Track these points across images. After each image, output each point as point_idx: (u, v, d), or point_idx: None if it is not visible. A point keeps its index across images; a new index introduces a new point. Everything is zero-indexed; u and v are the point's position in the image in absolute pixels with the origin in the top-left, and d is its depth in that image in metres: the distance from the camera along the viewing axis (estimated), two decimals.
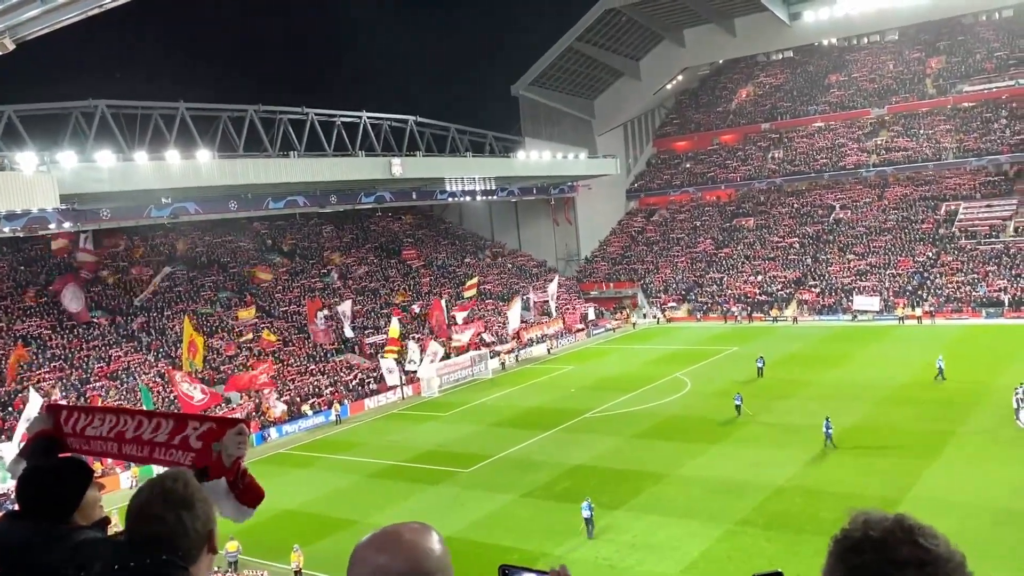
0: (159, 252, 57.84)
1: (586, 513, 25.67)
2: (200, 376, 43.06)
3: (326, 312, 53.80)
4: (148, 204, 47.49)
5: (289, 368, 49.06)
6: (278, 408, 43.85)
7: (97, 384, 42.67)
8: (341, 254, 66.70)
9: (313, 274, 62.46)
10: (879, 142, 76.05)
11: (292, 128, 52.14)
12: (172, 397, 42.00)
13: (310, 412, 45.07)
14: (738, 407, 36.97)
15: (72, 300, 46.48)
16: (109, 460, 27.27)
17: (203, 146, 46.02)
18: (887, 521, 1.66)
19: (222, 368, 46.68)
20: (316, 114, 53.56)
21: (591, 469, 31.71)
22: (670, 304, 69.85)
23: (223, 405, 42.86)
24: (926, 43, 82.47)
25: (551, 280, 68.38)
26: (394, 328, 51.40)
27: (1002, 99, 72.52)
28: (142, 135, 46.01)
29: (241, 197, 52.32)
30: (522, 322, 60.56)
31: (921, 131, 74.39)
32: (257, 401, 43.94)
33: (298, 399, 45.78)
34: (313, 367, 50.06)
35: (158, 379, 44.34)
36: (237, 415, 42.16)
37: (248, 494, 2.93)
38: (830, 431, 31.47)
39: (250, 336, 50.52)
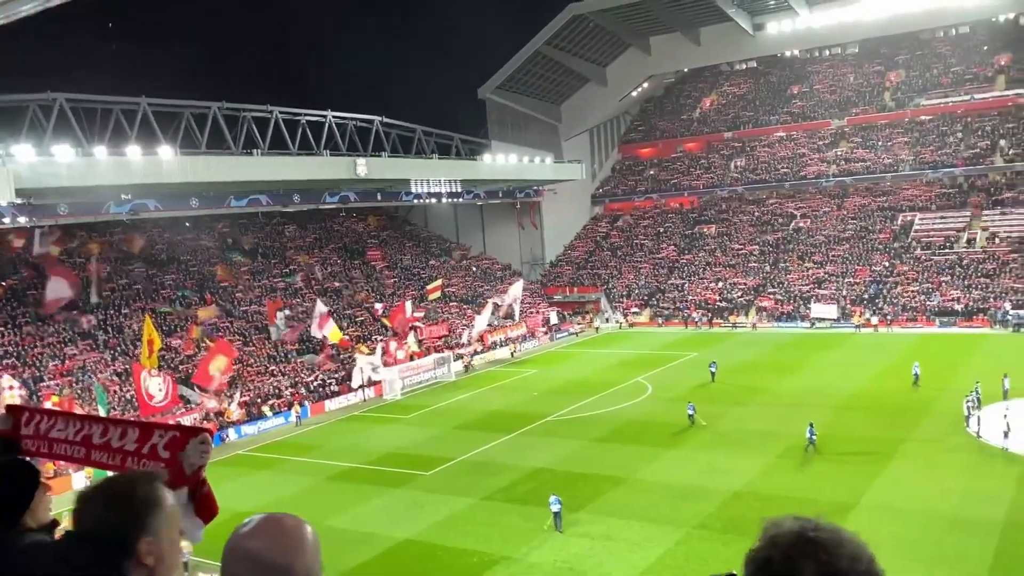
0: (118, 249, 56.91)
1: (555, 508, 25.95)
2: (172, 374, 42.45)
3: (287, 312, 53.35)
4: (107, 200, 46.72)
5: (249, 368, 48.55)
6: (237, 411, 43.32)
7: (52, 383, 41.84)
8: (304, 254, 66.18)
9: (275, 274, 61.89)
10: (839, 153, 77.44)
11: (256, 126, 51.66)
12: (128, 396, 41.36)
13: (270, 413, 44.66)
14: (691, 416, 36.93)
15: (56, 291, 44.64)
16: (61, 462, 26.75)
17: (165, 143, 45.40)
18: (791, 536, 1.69)
19: (180, 368, 46.05)
20: (281, 112, 53.12)
21: (552, 472, 31.86)
22: (632, 309, 70.41)
23: (181, 406, 42.30)
24: (885, 57, 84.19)
25: (515, 283, 68.53)
26: (334, 332, 50.81)
27: (957, 113, 74.29)
28: (102, 130, 45.26)
29: (203, 195, 51.69)
30: (488, 325, 60.62)
31: (879, 143, 75.90)
32: (215, 402, 43.40)
33: (258, 400, 45.34)
34: (273, 367, 49.61)
35: (115, 378, 43.62)
36: (195, 415, 41.72)
37: (204, 507, 2.93)
38: (814, 437, 31.67)
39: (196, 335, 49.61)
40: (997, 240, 62.77)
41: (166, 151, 44.34)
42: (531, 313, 67.92)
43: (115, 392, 42.05)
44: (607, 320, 71.07)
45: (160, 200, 49.83)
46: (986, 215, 65.76)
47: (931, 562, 22.07)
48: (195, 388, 43.82)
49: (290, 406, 45.35)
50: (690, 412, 37.06)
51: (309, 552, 1.98)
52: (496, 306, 62.59)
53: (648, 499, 28.34)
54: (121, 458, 3.20)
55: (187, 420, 41.38)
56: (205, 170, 46.41)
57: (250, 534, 1.98)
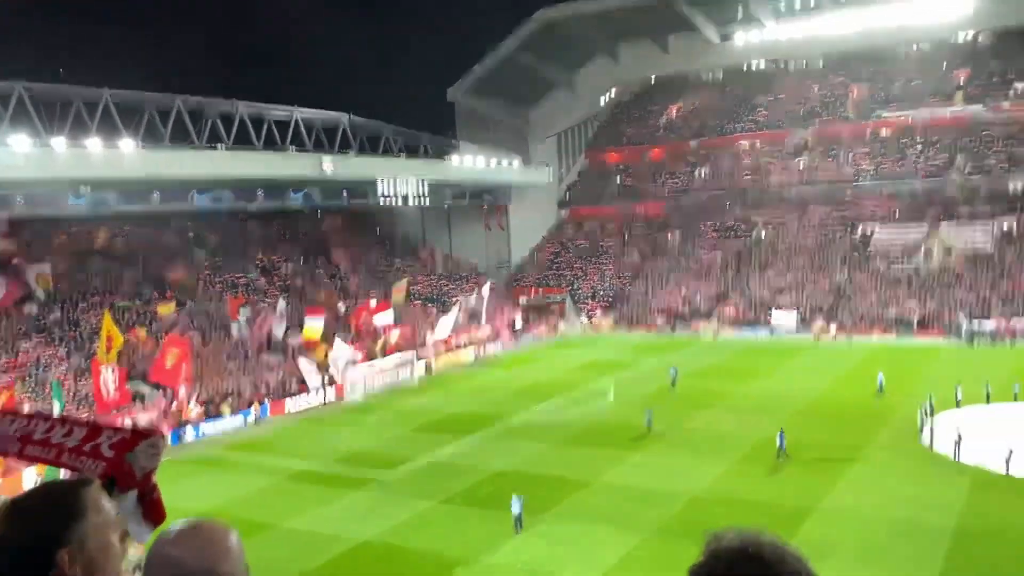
0: (77, 243, 55.83)
1: (516, 509, 25.94)
2: (127, 370, 41.70)
3: (249, 310, 52.73)
4: (66, 193, 45.84)
5: (208, 366, 47.88)
6: (196, 409, 42.68)
7: (3, 376, 40.87)
8: (267, 252, 65.46)
9: (237, 271, 61.14)
10: (801, 163, 78.56)
11: (221, 121, 51.09)
12: (85, 393, 40.57)
13: (228, 412, 44.07)
14: (649, 422, 36.91)
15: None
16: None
17: (127, 136, 44.66)
18: (733, 550, 1.70)
19: (138, 364, 45.26)
20: (246, 108, 52.56)
21: (514, 475, 31.84)
22: (597, 313, 70.75)
23: (135, 402, 41.60)
24: (849, 70, 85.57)
25: (483, 285, 68.54)
26: (312, 329, 50.53)
27: (917, 127, 75.75)
28: (61, 122, 44.42)
29: (165, 190, 50.93)
30: (453, 327, 60.40)
31: (841, 154, 77.17)
32: (172, 400, 42.70)
33: (216, 398, 44.72)
34: (232, 366, 48.97)
35: (71, 373, 42.75)
36: (152, 413, 41.04)
37: (154, 511, 2.85)
38: (783, 443, 31.83)
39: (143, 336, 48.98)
40: (954, 253, 64.11)
41: (128, 144, 43.62)
42: (496, 315, 67.91)
43: (69, 388, 41.19)
44: (571, 324, 71.32)
45: (121, 194, 48.99)
46: (943, 228, 67.14)
47: (884, 568, 22.45)
48: (158, 387, 43.10)
49: (249, 405, 44.80)
50: (648, 418, 37.09)
51: (233, 559, 1.94)
52: (462, 306, 62.50)
53: (610, 502, 28.46)
54: (56, 453, 3.09)
55: (144, 417, 40.73)
56: (167, 164, 45.78)
57: (173, 541, 1.93)
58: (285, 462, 36.19)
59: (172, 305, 52.28)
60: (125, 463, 2.87)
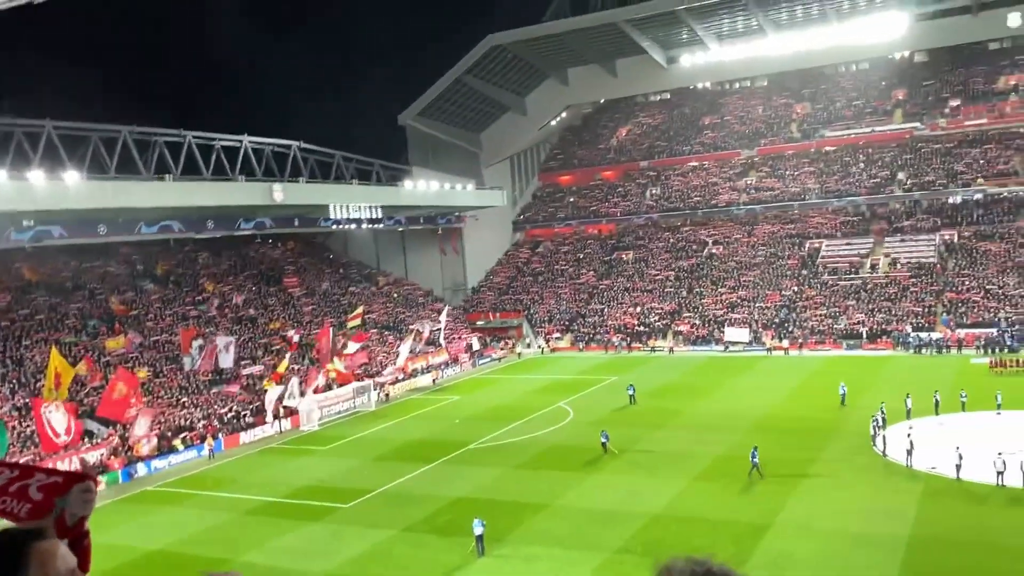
0: (20, 277, 54.44)
1: (478, 530, 25.82)
2: (74, 407, 40.53)
3: (201, 342, 51.84)
4: (7, 227, 44.65)
5: (160, 400, 46.88)
6: (148, 444, 41.70)
7: None
8: (218, 282, 64.53)
9: (187, 302, 60.11)
10: (749, 182, 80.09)
11: (168, 151, 50.34)
12: (29, 432, 39.39)
13: (181, 447, 43.14)
14: (604, 444, 36.77)
15: None
16: None
17: (71, 167, 43.74)
18: None
19: (86, 400, 44.15)
20: (194, 137, 51.88)
21: (473, 501, 31.65)
22: (554, 334, 70.96)
23: (86, 440, 40.53)
24: (792, 90, 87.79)
25: (440, 311, 68.34)
26: (284, 363, 50.18)
27: (859, 144, 77.87)
28: (2, 154, 43.35)
29: (112, 221, 49.85)
30: (410, 352, 60.10)
31: (787, 172, 78.87)
32: (123, 434, 41.69)
33: (168, 433, 43.76)
34: (185, 399, 48.03)
35: (15, 412, 41.49)
36: (102, 450, 40.00)
37: (84, 560, 2.77)
38: (756, 460, 31.78)
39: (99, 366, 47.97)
40: (898, 266, 65.76)
41: (72, 176, 42.71)
42: (453, 339, 67.72)
43: (13, 428, 39.94)
44: (529, 346, 71.43)
45: (65, 226, 47.83)
46: (887, 242, 68.90)
47: None
48: (107, 423, 42.05)
49: (203, 439, 43.91)
50: (603, 440, 36.96)
51: None
52: (419, 333, 62.20)
53: (570, 524, 28.43)
54: None
55: (94, 455, 39.70)
56: (114, 195, 44.81)
57: None
58: (241, 496, 35.50)
59: (120, 339, 51.20)
60: (56, 509, 2.77)
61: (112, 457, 40.17)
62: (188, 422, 45.51)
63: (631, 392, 47.00)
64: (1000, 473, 28.39)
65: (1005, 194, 68.34)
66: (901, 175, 73.23)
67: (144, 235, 53.11)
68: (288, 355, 51.49)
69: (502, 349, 70.29)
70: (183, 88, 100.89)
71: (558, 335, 70.85)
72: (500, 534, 27.63)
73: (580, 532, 27.60)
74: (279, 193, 53.09)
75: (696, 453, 35.64)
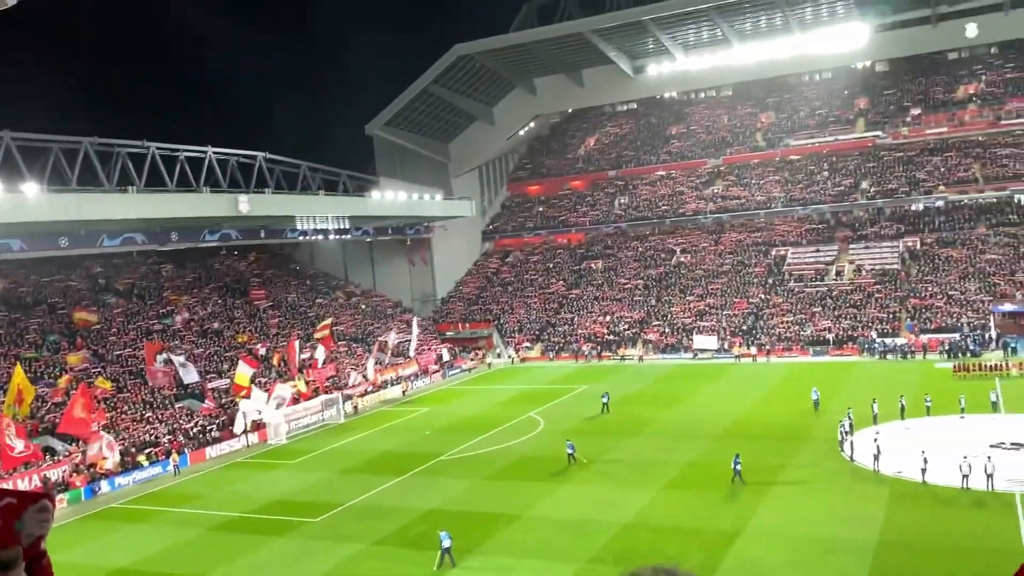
0: None
1: (446, 543, 25.62)
2: (25, 426, 39.63)
3: (166, 356, 51.06)
4: None
5: (124, 416, 46.03)
6: (111, 459, 40.87)
7: None
8: (182, 294, 63.64)
9: (151, 315, 59.20)
10: (715, 191, 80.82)
11: (131, 162, 49.63)
12: None
13: (146, 463, 42.35)
14: (570, 455, 36.41)
15: None
16: None
17: (31, 179, 42.92)
18: None
19: (47, 417, 43.23)
20: (158, 148, 51.21)
21: (444, 513, 31.40)
22: (524, 344, 70.91)
23: (47, 458, 39.66)
24: (757, 99, 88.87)
25: (409, 321, 67.94)
26: (243, 375, 49.40)
27: (823, 153, 78.97)
28: None
29: (73, 234, 48.99)
30: (377, 364, 59.69)
31: (753, 181, 79.70)
32: (84, 450, 40.83)
33: (133, 449, 42.94)
34: (150, 414, 47.19)
35: None
36: (64, 467, 39.15)
37: None
38: (738, 467, 31.64)
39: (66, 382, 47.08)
40: (863, 272, 66.66)
41: (32, 188, 41.91)
42: (423, 350, 67.37)
43: None
44: (499, 356, 71.27)
45: (25, 240, 46.92)
46: (852, 249, 69.83)
47: None
48: (70, 440, 41.21)
49: (168, 454, 43.16)
50: (569, 451, 36.60)
51: None
52: (383, 343, 61.77)
53: (541, 535, 28.30)
54: None
55: (55, 472, 38.86)
56: (76, 208, 44.02)
57: None
58: (208, 511, 34.91)
59: (82, 354, 50.27)
60: (12, 529, 2.65)
61: (74, 475, 39.33)
62: (153, 437, 44.73)
63: (605, 400, 47.04)
64: (965, 476, 28.76)
65: (965, 201, 69.67)
66: (864, 183, 74.33)
67: (107, 248, 52.31)
68: (242, 366, 50.42)
69: (472, 360, 70.07)
70: (146, 99, 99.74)
71: (528, 345, 70.81)
72: (472, 546, 27.43)
73: (552, 543, 27.48)
74: (245, 204, 52.50)
75: (666, 461, 35.71)
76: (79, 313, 54.72)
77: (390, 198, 67.85)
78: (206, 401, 49.47)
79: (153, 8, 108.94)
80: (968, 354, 54.12)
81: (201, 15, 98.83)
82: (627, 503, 30.66)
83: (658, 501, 30.87)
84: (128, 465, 41.66)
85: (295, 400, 51.09)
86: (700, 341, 63.36)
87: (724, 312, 66.90)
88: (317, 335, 60.35)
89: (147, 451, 43.16)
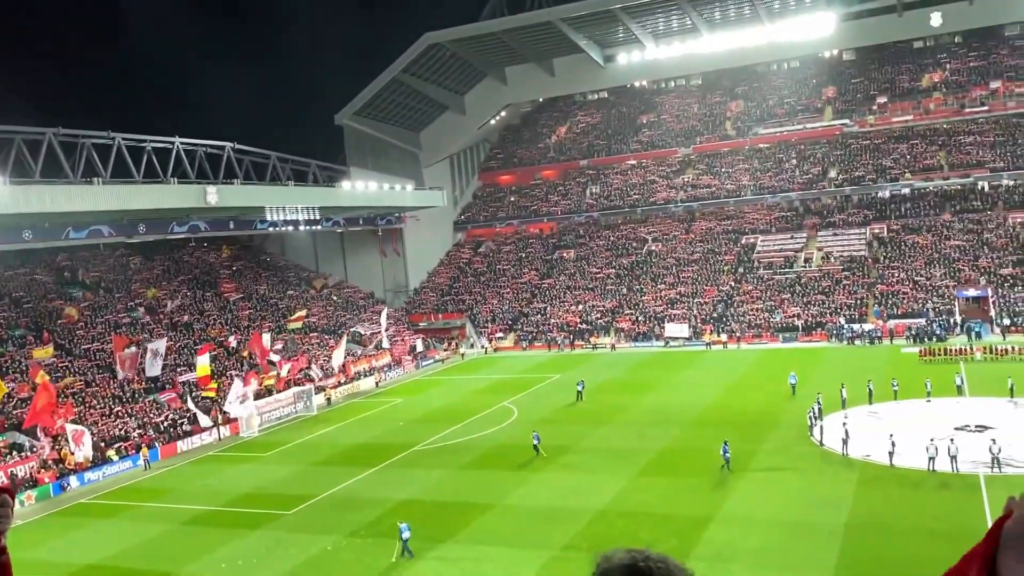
0: None
1: (405, 534, 25.80)
2: None
3: (134, 349, 50.42)
4: None
5: (92, 410, 45.44)
6: (81, 452, 40.29)
7: None
8: (151, 287, 62.85)
9: (119, 308, 58.43)
10: (686, 179, 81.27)
11: (97, 153, 48.76)
12: None
13: (116, 457, 41.88)
14: (536, 446, 36.27)
15: None
16: None
17: None
18: (623, 568, 1.75)
19: (13, 413, 42.57)
20: (124, 139, 50.34)
21: (419, 503, 31.43)
22: (497, 334, 70.95)
23: (13, 453, 39.07)
24: (726, 88, 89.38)
25: (379, 312, 67.62)
26: (203, 366, 48.82)
27: (792, 141, 79.68)
28: None
29: (37, 227, 48.14)
30: (348, 355, 59.35)
31: (723, 170, 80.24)
32: (56, 446, 40.28)
33: (102, 444, 42.43)
34: (119, 408, 46.64)
35: None
36: (32, 463, 38.61)
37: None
38: (728, 455, 31.65)
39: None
40: (831, 259, 67.44)
41: None
42: (396, 341, 67.17)
43: None
44: (472, 346, 71.27)
45: None
46: (820, 236, 70.61)
47: (783, 568, 23.20)
48: (40, 433, 40.59)
49: (138, 449, 42.70)
50: (535, 442, 36.46)
51: None
52: (357, 335, 61.42)
53: (516, 524, 28.41)
54: None
55: (23, 468, 38.30)
56: (39, 200, 43.21)
57: None
58: (180, 506, 34.62)
59: (50, 348, 49.53)
60: None
61: (42, 470, 38.80)
62: (123, 432, 44.22)
63: (580, 388, 47.25)
64: (931, 459, 29.28)
65: (931, 188, 70.68)
66: (832, 171, 75.13)
67: (72, 240, 51.51)
68: (201, 357, 49.77)
69: (445, 350, 69.98)
70: (112, 89, 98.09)
71: (501, 335, 70.87)
72: (447, 535, 27.49)
73: (527, 531, 27.60)
74: (213, 195, 51.91)
75: (639, 448, 35.97)
76: (68, 309, 53.92)
77: (361, 188, 67.42)
78: (171, 392, 48.95)
79: None
80: (934, 339, 55.02)
81: (166, 3, 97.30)
82: (601, 490, 30.87)
83: (632, 488, 31.10)
84: (98, 460, 41.17)
85: (268, 392, 50.69)
86: (672, 329, 63.79)
87: (695, 300, 67.39)
88: (291, 325, 59.97)
89: (117, 446, 42.69)
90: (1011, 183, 68.02)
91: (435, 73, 77.78)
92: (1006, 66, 77.03)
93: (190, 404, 46.83)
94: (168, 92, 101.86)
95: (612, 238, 79.43)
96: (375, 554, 26.82)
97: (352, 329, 63.28)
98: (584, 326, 68.55)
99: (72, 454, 40.12)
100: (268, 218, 60.77)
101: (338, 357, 57.59)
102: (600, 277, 74.35)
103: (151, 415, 46.77)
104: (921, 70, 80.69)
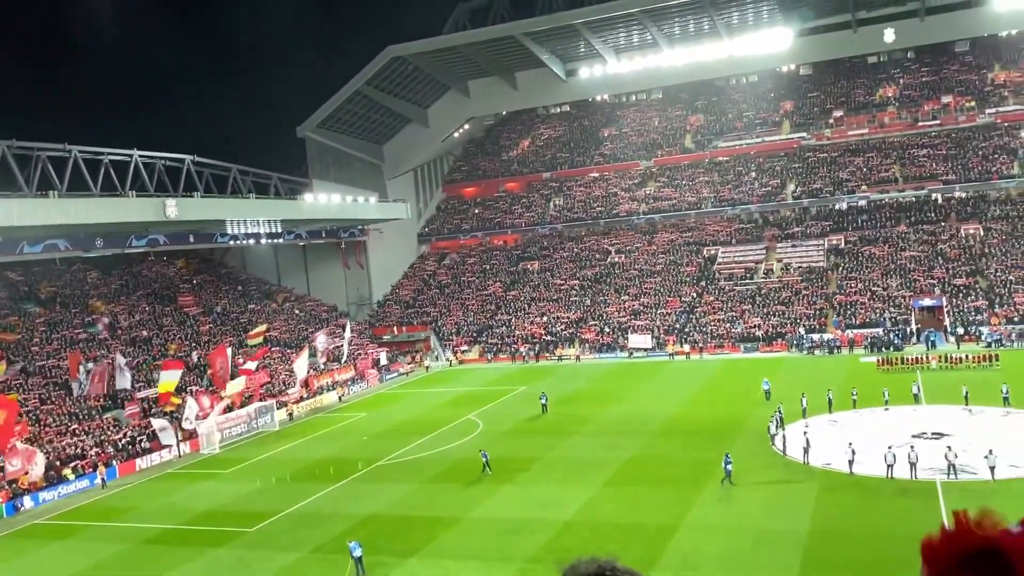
0: None
1: (356, 552, 25.59)
2: None
3: (91, 365, 49.44)
4: None
5: (48, 428, 44.41)
6: (35, 469, 39.29)
7: None
8: (108, 302, 61.72)
9: (76, 324, 57.28)
10: (647, 192, 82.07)
11: (52, 166, 47.84)
12: None
13: (72, 476, 40.96)
14: (485, 463, 35.75)
15: None
16: None
17: None
18: None
19: None
20: (80, 151, 49.47)
21: (384, 518, 31.19)
22: (462, 347, 70.79)
23: None
24: (686, 102, 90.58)
25: (343, 325, 67.08)
26: (166, 382, 48.08)
27: (751, 154, 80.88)
28: None
29: None
30: (311, 370, 58.71)
31: (683, 182, 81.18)
32: (2, 465, 39.24)
33: (58, 462, 41.47)
34: (76, 426, 45.63)
35: None
36: None
37: None
38: (729, 467, 31.34)
39: None
40: (790, 270, 68.45)
41: None
42: (360, 355, 66.67)
43: None
44: (437, 359, 71.01)
45: None
46: (779, 248, 71.65)
47: (746, 574, 23.40)
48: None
49: (95, 467, 41.80)
50: (484, 459, 35.97)
51: None
52: (314, 348, 60.72)
53: (482, 537, 28.32)
54: None
55: None
56: None
57: None
58: (138, 524, 33.96)
59: (3, 365, 48.35)
60: None
61: None
62: (79, 450, 43.27)
63: (544, 401, 47.30)
64: (890, 466, 29.78)
65: (887, 200, 72.17)
66: (791, 183, 76.37)
67: (27, 255, 50.47)
68: (166, 373, 49.05)
69: (409, 363, 69.64)
70: (68, 101, 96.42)
71: (466, 347, 70.72)
72: (413, 549, 27.31)
73: (494, 544, 27.53)
74: (173, 209, 51.21)
75: (605, 459, 36.09)
76: (2, 330, 52.61)
77: (324, 201, 67.00)
78: (133, 405, 48.05)
79: (69, 6, 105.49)
80: (891, 348, 56.03)
81: (125, 10, 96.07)
82: (567, 501, 30.90)
83: (598, 498, 31.18)
84: (53, 480, 40.22)
85: (230, 408, 50.01)
86: (635, 340, 64.17)
87: (658, 311, 67.91)
88: (251, 341, 59.22)
89: (73, 464, 41.75)
90: (963, 195, 69.73)
91: (398, 86, 77.74)
92: (956, 81, 79.17)
93: (162, 422, 45.97)
94: (127, 105, 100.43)
95: (576, 250, 79.82)
96: (340, 570, 26.53)
97: (312, 345, 62.52)
98: (549, 338, 68.69)
99: (26, 473, 39.12)
100: (229, 231, 60.07)
101: (301, 368, 56.88)
102: (564, 288, 74.63)
103: (109, 432, 45.84)
104: (875, 85, 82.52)
